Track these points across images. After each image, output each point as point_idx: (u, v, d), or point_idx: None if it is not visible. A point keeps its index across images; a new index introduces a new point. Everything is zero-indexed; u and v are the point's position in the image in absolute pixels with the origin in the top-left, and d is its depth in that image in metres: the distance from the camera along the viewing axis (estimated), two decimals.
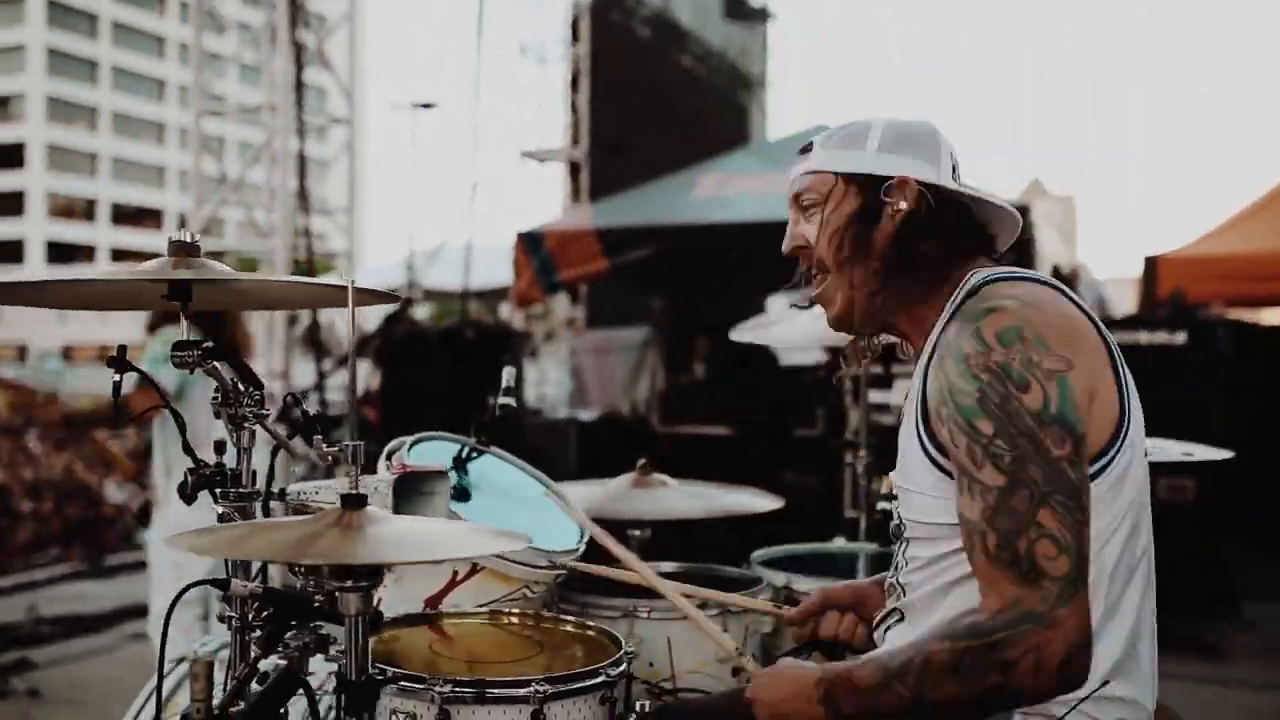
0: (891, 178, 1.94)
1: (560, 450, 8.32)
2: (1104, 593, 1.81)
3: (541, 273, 8.54)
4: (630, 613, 2.57)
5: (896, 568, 2.04)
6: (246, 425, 2.05)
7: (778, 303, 14.89)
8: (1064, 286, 1.88)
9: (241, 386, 2.03)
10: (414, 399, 7.90)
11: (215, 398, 2.05)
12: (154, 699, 2.62)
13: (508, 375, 2.73)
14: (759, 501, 3.14)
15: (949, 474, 1.83)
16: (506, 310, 13.10)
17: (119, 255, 66.18)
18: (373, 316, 8.69)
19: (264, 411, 2.06)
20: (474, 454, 2.73)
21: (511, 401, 2.74)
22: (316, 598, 1.79)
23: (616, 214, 8.85)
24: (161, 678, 2.07)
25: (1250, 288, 9.03)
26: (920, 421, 1.87)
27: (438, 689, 1.96)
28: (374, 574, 1.66)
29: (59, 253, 65.63)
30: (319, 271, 10.04)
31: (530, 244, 8.65)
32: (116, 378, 1.96)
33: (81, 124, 68.91)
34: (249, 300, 2.36)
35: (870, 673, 1.75)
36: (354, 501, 1.67)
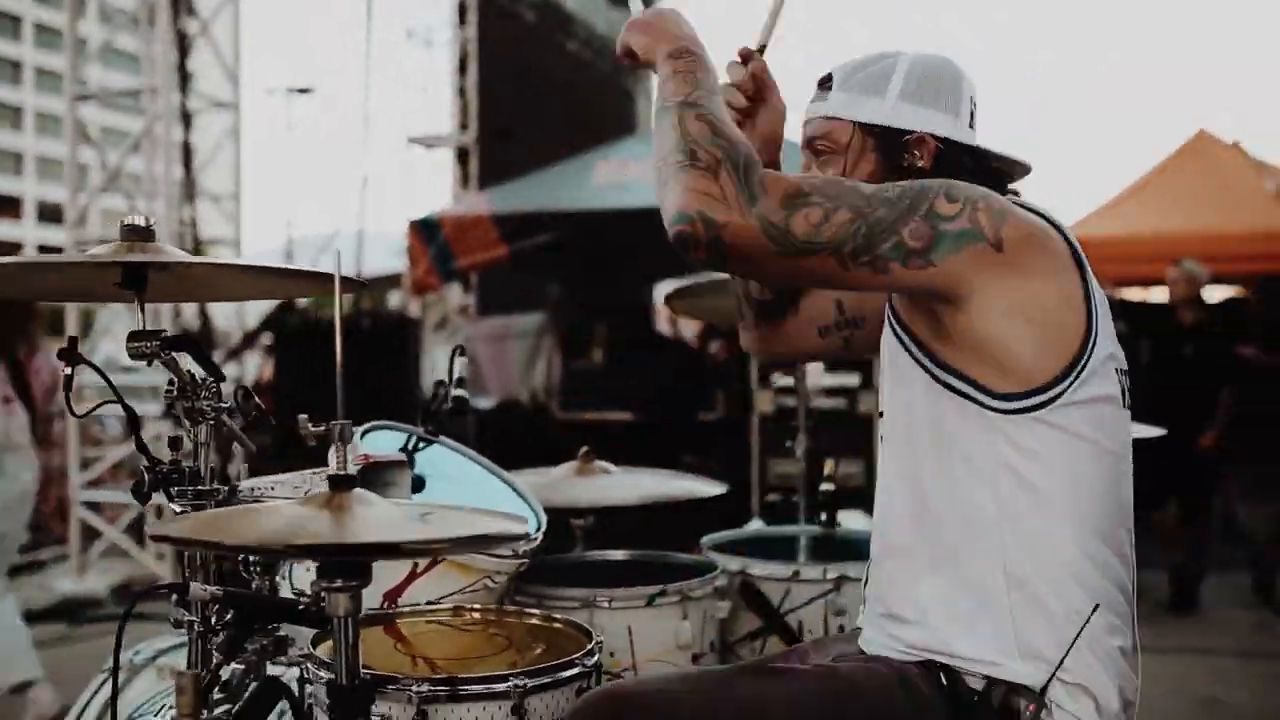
0: (911, 133, 1.93)
1: (458, 438, 8.20)
2: (1090, 528, 1.81)
3: (439, 260, 8.40)
4: (590, 603, 2.54)
5: None
6: (204, 419, 1.96)
7: (666, 288, 14.89)
8: (1065, 229, 1.87)
9: (199, 379, 1.94)
10: (309, 389, 7.69)
11: (170, 390, 1.95)
12: (88, 709, 2.52)
13: (460, 365, 2.66)
14: (703, 487, 3.12)
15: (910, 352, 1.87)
16: (396, 298, 12.87)
17: None
18: (261, 306, 8.46)
19: (222, 404, 1.97)
20: (422, 444, 2.66)
21: (464, 392, 2.66)
22: (302, 599, 1.71)
23: (514, 200, 8.75)
24: (116, 689, 1.97)
25: (1131, 269, 9.35)
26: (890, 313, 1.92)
27: (414, 689, 1.90)
28: (365, 571, 1.59)
29: None
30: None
31: (425, 231, 8.50)
32: (67, 370, 1.86)
33: None
34: (208, 291, 2.25)
35: (709, 81, 1.81)
36: (343, 483, 1.60)
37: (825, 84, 2.01)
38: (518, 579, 2.57)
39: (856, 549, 2.90)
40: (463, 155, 11.92)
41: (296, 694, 2.07)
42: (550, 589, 2.58)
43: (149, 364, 1.87)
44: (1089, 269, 1.85)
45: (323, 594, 1.59)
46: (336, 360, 1.69)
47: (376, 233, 12.13)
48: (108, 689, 2.55)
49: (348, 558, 1.53)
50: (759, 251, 1.68)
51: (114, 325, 8.51)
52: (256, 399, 2.08)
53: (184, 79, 8.37)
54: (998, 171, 2.00)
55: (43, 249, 59.36)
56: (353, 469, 1.65)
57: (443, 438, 2.74)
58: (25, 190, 68.36)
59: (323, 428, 1.71)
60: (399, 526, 1.53)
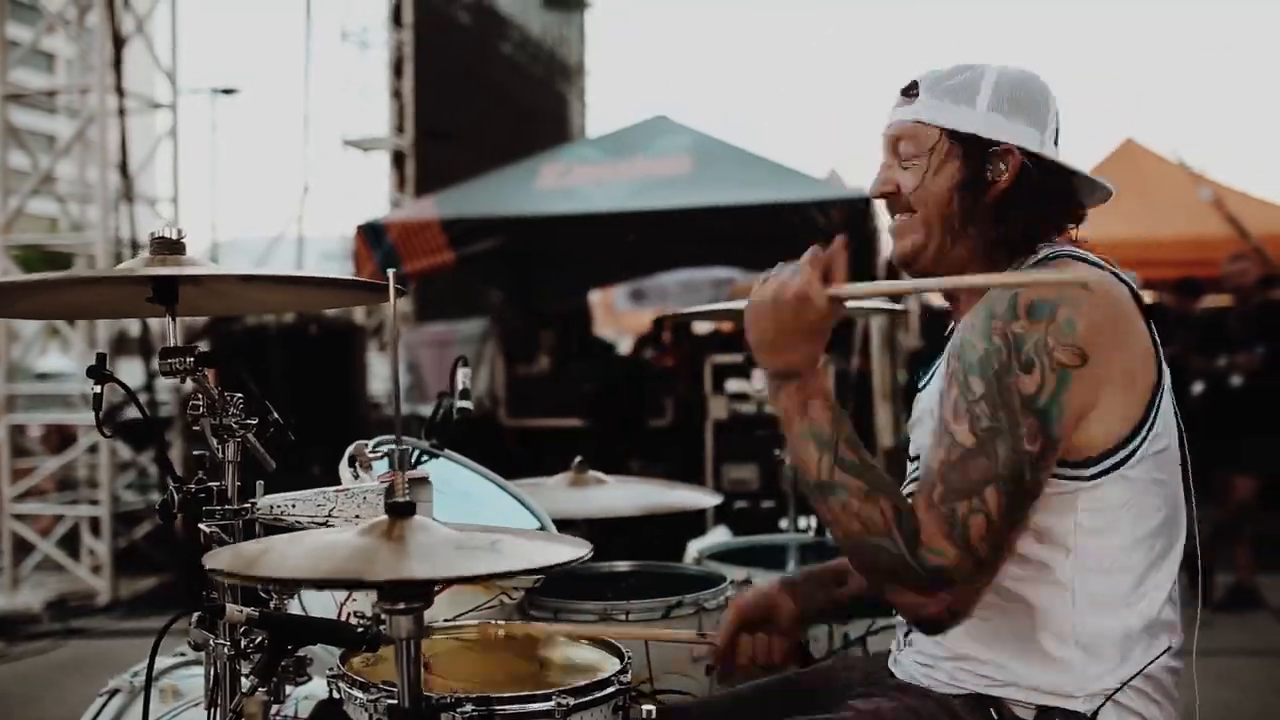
0: (998, 144, 1.92)
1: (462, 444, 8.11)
2: (1149, 569, 1.85)
3: (384, 265, 8.27)
4: (607, 616, 2.51)
5: None
6: (231, 436, 1.91)
7: (617, 294, 14.83)
8: (1129, 280, 1.89)
9: (228, 395, 1.89)
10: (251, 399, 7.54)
11: (196, 407, 1.89)
12: None
13: (463, 376, 2.62)
14: (697, 498, 3.11)
15: None
16: None
17: None
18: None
19: (250, 421, 1.92)
20: (426, 457, 2.61)
21: (468, 404, 2.62)
22: (362, 623, 1.66)
23: (460, 204, 8.67)
24: (147, 707, 1.90)
25: None
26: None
27: (460, 710, 1.86)
28: (426, 594, 1.55)
29: None
30: None
31: (371, 236, 8.39)
32: (96, 388, 1.79)
33: None
34: (242, 304, 2.18)
35: (830, 419, 1.80)
36: (401, 510, 1.56)
37: (911, 90, 1.99)
38: (530, 592, 2.54)
39: None
40: (399, 158, 11.82)
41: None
42: (565, 602, 2.55)
43: (181, 381, 1.81)
44: (1154, 327, 1.87)
45: (383, 616, 1.55)
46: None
47: (313, 237, 11.98)
48: (110, 709, 2.48)
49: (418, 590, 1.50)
50: (973, 590, 1.84)
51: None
52: (276, 415, 2.03)
53: (121, 79, 8.14)
54: (1072, 194, 2.00)
55: None
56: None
57: (447, 451, 2.69)
58: None
59: (380, 455, 1.67)
60: (470, 558, 1.49)
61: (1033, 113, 1.95)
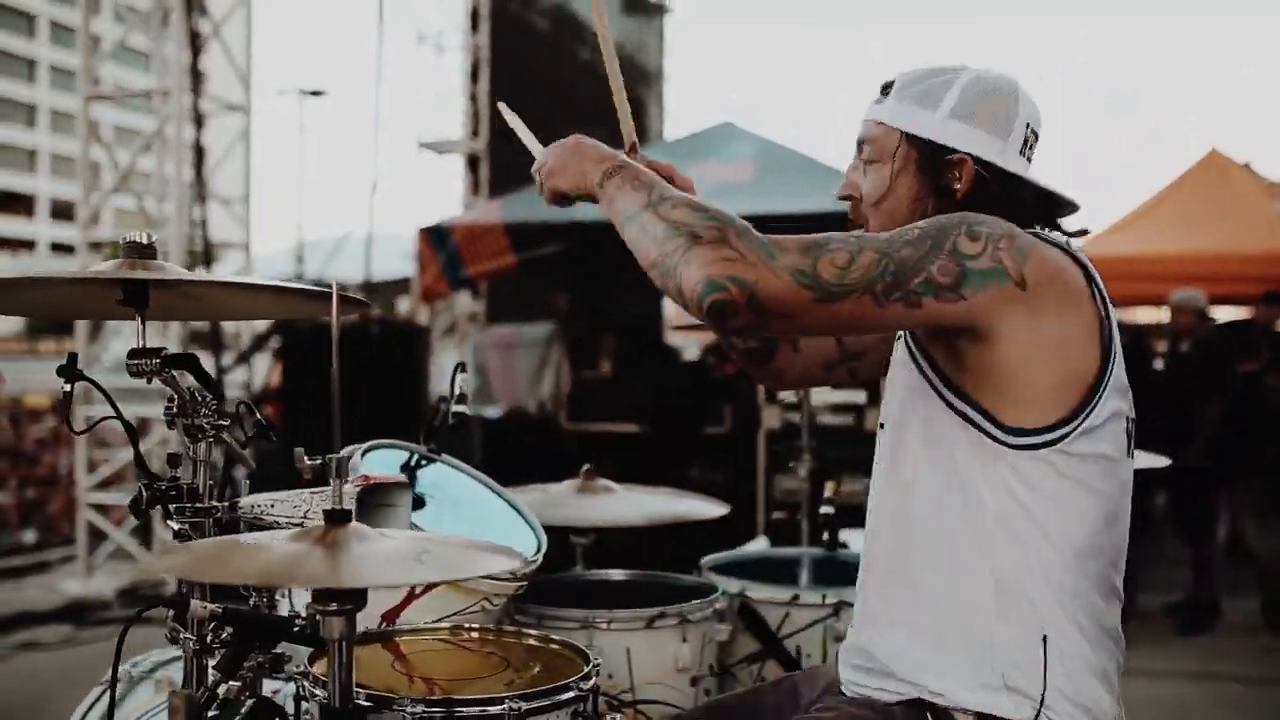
0: (954, 152, 1.90)
1: (465, 448, 8.19)
2: (1077, 567, 1.82)
3: (448, 267, 8.39)
4: (589, 624, 2.53)
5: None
6: (204, 436, 1.96)
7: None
8: (1095, 274, 1.86)
9: (199, 395, 1.94)
10: (317, 395, 7.69)
11: (170, 407, 1.95)
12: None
13: (461, 380, 2.65)
14: (705, 508, 3.11)
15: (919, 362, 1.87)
16: (405, 304, 12.85)
17: None
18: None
19: (222, 422, 1.97)
20: (423, 462, 2.65)
21: (465, 408, 2.66)
22: (298, 620, 1.70)
23: (524, 209, 8.74)
24: (114, 700, 1.96)
25: (1134, 288, 9.32)
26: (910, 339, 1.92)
27: (409, 709, 1.89)
28: (359, 596, 1.58)
29: None
30: (213, 262, 9.73)
31: (435, 238, 8.50)
32: (66, 387, 1.85)
33: None
34: (212, 309, 2.24)
35: (644, 175, 1.84)
36: (338, 517, 1.59)
37: (886, 89, 1.98)
38: (517, 599, 2.56)
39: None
40: (473, 161, 11.94)
41: (292, 712, 2.07)
42: (549, 609, 2.57)
43: (149, 381, 1.87)
44: (1110, 307, 1.84)
45: (317, 617, 1.59)
46: (334, 391, 1.67)
47: (387, 236, 12.17)
48: (105, 700, 2.55)
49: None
50: (796, 302, 1.66)
51: (125, 325, 8.51)
52: (259, 415, 2.08)
53: (196, 80, 8.37)
54: (1037, 206, 1.96)
55: (55, 247, 59.58)
56: (348, 504, 1.64)
57: (444, 456, 2.73)
58: (39, 188, 68.57)
59: (319, 461, 1.70)
60: (395, 567, 1.52)
61: (996, 120, 1.91)
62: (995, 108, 1.92)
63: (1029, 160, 1.97)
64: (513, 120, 2.26)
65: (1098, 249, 9.79)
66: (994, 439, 1.79)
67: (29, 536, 9.62)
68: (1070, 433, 1.77)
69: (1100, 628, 1.85)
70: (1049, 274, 1.76)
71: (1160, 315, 10.70)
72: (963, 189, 1.90)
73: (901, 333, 1.94)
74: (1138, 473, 2.70)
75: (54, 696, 4.85)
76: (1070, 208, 1.99)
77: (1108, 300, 1.85)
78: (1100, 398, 1.79)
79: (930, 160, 1.92)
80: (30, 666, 6.32)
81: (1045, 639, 1.79)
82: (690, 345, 12.71)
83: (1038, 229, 1.90)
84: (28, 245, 63.03)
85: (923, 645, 1.86)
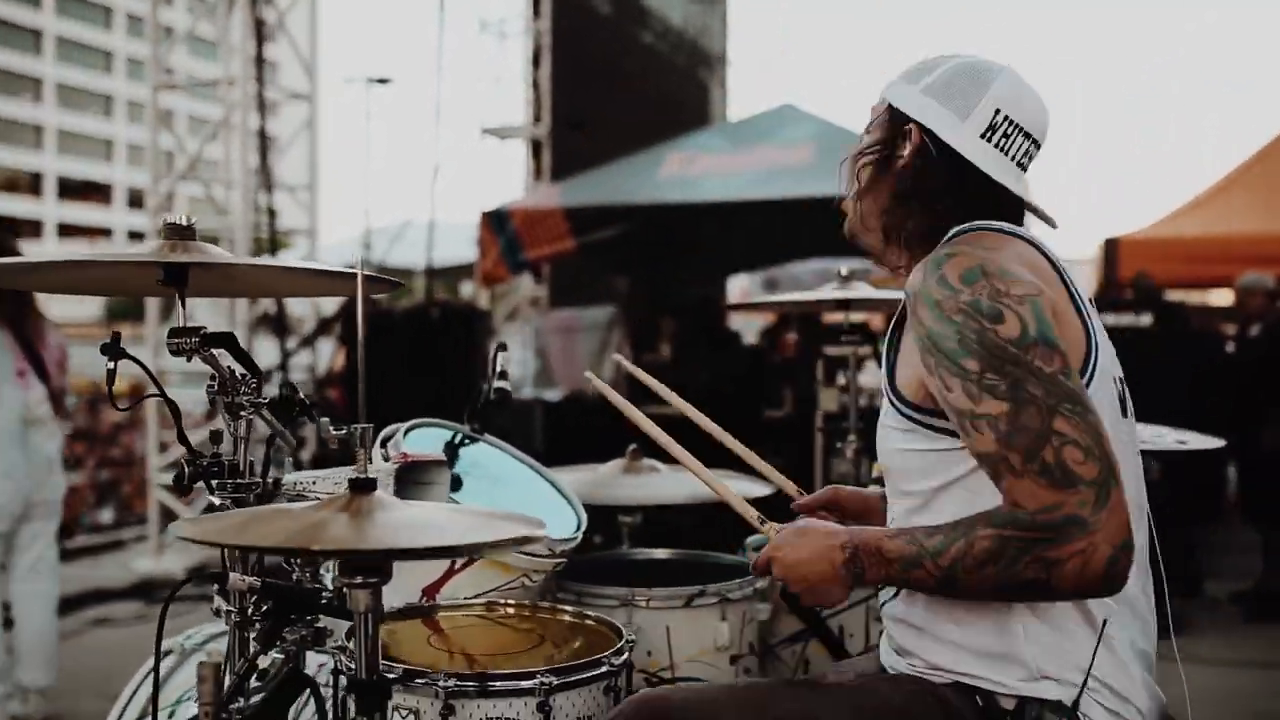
0: (909, 121, 1.94)
1: (526, 431, 8.26)
2: None
3: (508, 251, 8.46)
4: (628, 601, 2.55)
5: None
6: (243, 414, 2.00)
7: (739, 282, 14.86)
8: (1037, 240, 1.88)
9: (239, 374, 1.98)
10: (379, 380, 7.79)
11: (211, 385, 1.99)
12: (137, 693, 2.58)
13: (503, 359, 2.68)
14: (749, 487, 3.10)
15: (912, 419, 1.85)
16: (468, 288, 12.95)
17: (66, 230, 64.91)
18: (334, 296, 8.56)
19: (261, 399, 2.01)
20: (466, 440, 2.68)
21: (506, 385, 2.68)
22: (325, 593, 1.74)
23: (583, 193, 8.78)
24: (158, 670, 2.02)
25: (1206, 270, 9.14)
26: (887, 361, 1.92)
27: (441, 683, 1.93)
28: (384, 569, 1.61)
29: (3, 227, 63.98)
30: (280, 249, 9.89)
31: (495, 223, 8.56)
32: (110, 365, 1.90)
33: (26, 96, 67.45)
34: (248, 287, 2.30)
35: (902, 546, 1.75)
36: (362, 486, 1.62)
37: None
38: (558, 576, 2.59)
39: None
40: (536, 147, 11.97)
41: (330, 684, 2.12)
42: (589, 586, 2.59)
43: (188, 360, 1.91)
44: (1071, 279, 1.86)
45: (344, 590, 1.62)
46: (361, 360, 1.70)
47: (450, 223, 12.25)
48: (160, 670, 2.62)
49: (363, 561, 1.56)
50: (1116, 508, 1.63)
51: (196, 310, 8.65)
52: (301, 394, 2.12)
53: (261, 69, 8.50)
54: (977, 197, 1.94)
55: (131, 235, 60.80)
56: (376, 472, 1.66)
57: (487, 435, 2.76)
58: (114, 177, 70.03)
59: (344, 430, 1.73)
60: (418, 533, 1.54)
61: (957, 99, 1.93)
62: (961, 87, 1.94)
63: (1006, 154, 1.94)
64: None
65: (1167, 230, 9.64)
66: None
67: (105, 516, 9.86)
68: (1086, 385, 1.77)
69: (1131, 606, 1.83)
70: (1026, 262, 1.79)
71: (1230, 298, 10.49)
72: (906, 159, 1.95)
73: (883, 401, 1.94)
74: (1201, 456, 2.67)
75: (123, 670, 4.96)
76: (1013, 205, 1.97)
77: (1069, 276, 1.86)
78: (1094, 361, 1.80)
79: (892, 127, 1.97)
80: (103, 641, 6.49)
81: (1080, 622, 1.79)
82: (750, 328, 12.68)
83: (983, 223, 1.90)
84: (104, 233, 64.39)
85: (963, 634, 1.85)
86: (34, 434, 4.98)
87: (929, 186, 1.94)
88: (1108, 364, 1.85)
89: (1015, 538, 1.65)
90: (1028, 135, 1.95)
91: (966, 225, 1.91)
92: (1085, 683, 1.78)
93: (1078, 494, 1.63)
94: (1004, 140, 1.93)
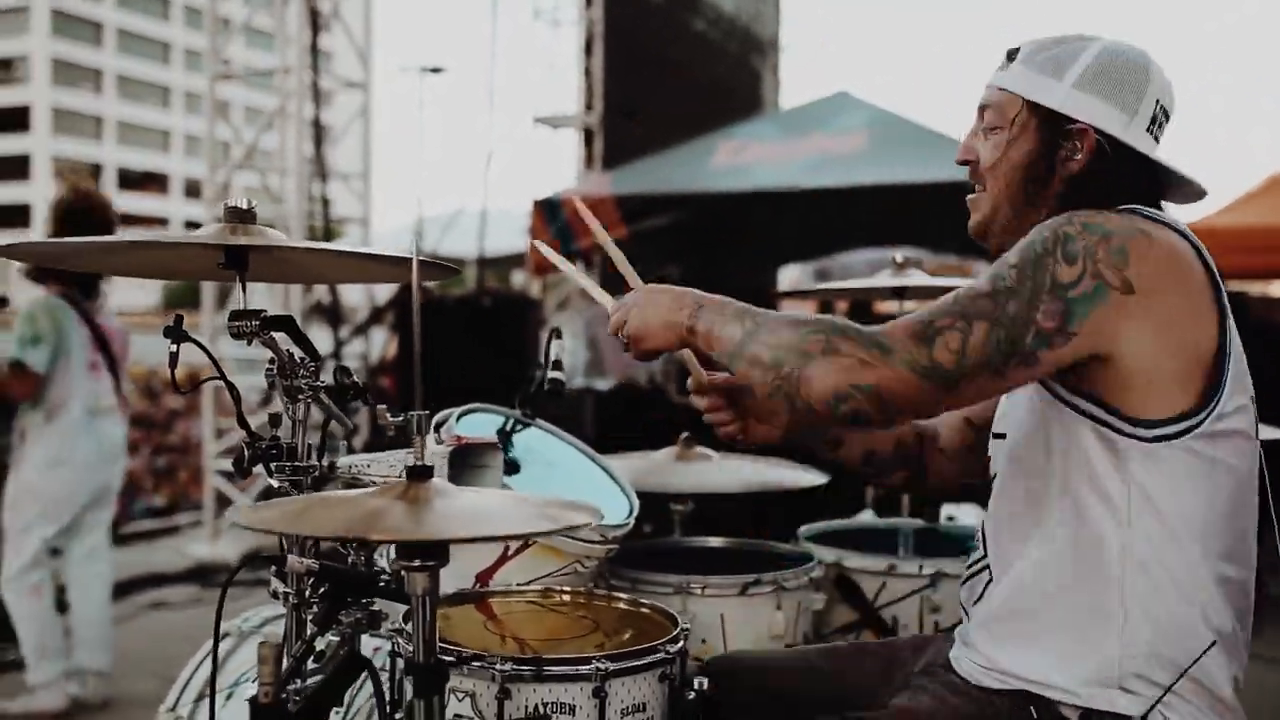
0: (1075, 122, 1.86)
1: (576, 420, 8.27)
2: (1218, 552, 1.77)
3: (560, 240, 8.46)
4: (683, 589, 2.54)
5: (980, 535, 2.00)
6: (302, 397, 2.01)
7: (790, 272, 14.78)
8: (1200, 244, 1.80)
9: (297, 357, 1.99)
10: (431, 367, 7.82)
11: (270, 369, 2.01)
12: (195, 674, 2.61)
13: (556, 348, 2.68)
14: (802, 476, 3.09)
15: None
16: (519, 278, 12.97)
17: (125, 220, 65.35)
18: (388, 285, 8.63)
19: (319, 383, 2.02)
20: (519, 426, 2.68)
21: (560, 374, 2.68)
22: (383, 576, 1.74)
23: (635, 181, 8.76)
24: (217, 652, 2.03)
25: (1265, 260, 8.97)
26: None
27: (498, 667, 1.93)
28: (442, 552, 1.61)
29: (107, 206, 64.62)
30: (333, 238, 9.96)
31: (548, 211, 8.57)
32: (173, 348, 1.92)
33: (86, 87, 68.51)
34: (305, 273, 2.31)
35: (728, 305, 1.86)
36: (420, 473, 1.62)
37: (1011, 56, 1.95)
38: (612, 562, 2.58)
39: (957, 544, 2.85)
40: (588, 135, 11.97)
41: (388, 666, 2.13)
42: (643, 574, 2.58)
43: (249, 343, 1.92)
44: (1223, 287, 1.79)
45: (402, 573, 1.62)
46: (416, 347, 1.72)
47: (502, 212, 12.27)
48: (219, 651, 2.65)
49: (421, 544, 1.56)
50: (920, 395, 1.67)
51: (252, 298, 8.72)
52: (355, 378, 2.13)
53: (316, 58, 8.56)
54: (1152, 189, 1.91)
55: (187, 224, 61.63)
56: (432, 459, 1.67)
57: (539, 420, 2.76)
58: (172, 167, 70.94)
59: (401, 418, 1.74)
60: (475, 521, 1.55)
61: (1123, 94, 1.86)
62: (1123, 80, 1.87)
63: (1156, 140, 1.90)
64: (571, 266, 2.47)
65: (1229, 219, 9.46)
66: (1122, 433, 1.75)
67: (160, 502, 10.01)
68: (1200, 422, 1.73)
69: (1226, 624, 1.79)
70: (1153, 268, 1.72)
71: None
72: (1081, 162, 1.87)
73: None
74: (1270, 448, 2.63)
75: (179, 654, 5.03)
76: (1196, 193, 1.95)
77: (1221, 282, 1.79)
78: (1226, 376, 1.75)
79: (1050, 129, 1.89)
80: (159, 625, 6.58)
81: (1176, 642, 1.76)
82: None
83: (1135, 206, 1.84)
84: (162, 222, 65.27)
85: (1044, 642, 1.83)
86: (102, 422, 5.06)
87: (1104, 188, 1.85)
88: (1244, 378, 1.80)
89: (824, 320, 1.73)
90: (1169, 117, 1.92)
91: (1130, 206, 1.84)
92: (1159, 700, 1.74)
93: (913, 347, 1.66)
94: (1158, 129, 1.90)
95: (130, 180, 69.60)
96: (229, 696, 2.51)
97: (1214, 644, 1.76)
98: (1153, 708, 1.75)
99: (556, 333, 2.74)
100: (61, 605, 5.19)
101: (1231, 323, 1.78)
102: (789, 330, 1.74)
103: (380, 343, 10.10)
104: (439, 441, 2.38)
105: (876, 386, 1.66)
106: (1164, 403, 1.72)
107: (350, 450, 2.27)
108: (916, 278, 3.30)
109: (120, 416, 5.20)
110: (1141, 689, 1.75)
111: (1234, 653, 1.81)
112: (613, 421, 8.31)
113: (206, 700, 2.63)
